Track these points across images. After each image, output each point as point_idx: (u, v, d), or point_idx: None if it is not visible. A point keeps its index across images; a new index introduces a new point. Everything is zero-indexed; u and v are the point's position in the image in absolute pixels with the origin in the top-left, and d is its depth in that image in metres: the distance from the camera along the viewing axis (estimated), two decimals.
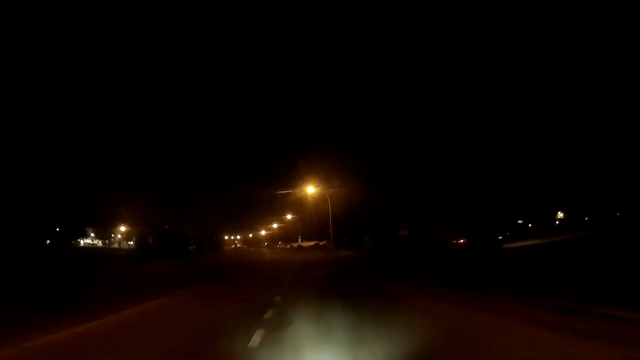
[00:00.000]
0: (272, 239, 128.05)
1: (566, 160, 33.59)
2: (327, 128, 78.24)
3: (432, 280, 15.40)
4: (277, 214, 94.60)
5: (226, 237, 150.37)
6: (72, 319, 8.40)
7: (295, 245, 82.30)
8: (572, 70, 29.77)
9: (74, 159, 54.32)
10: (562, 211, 56.77)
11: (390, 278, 16.62)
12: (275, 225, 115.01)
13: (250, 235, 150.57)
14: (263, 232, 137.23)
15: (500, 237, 38.77)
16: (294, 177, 48.20)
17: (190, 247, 64.42)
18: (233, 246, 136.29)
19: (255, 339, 6.44)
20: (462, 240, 41.82)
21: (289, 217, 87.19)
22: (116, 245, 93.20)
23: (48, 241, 62.48)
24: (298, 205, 70.52)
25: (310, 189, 45.96)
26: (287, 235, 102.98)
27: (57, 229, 55.66)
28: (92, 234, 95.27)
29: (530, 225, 54.95)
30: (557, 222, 55.46)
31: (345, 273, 19.07)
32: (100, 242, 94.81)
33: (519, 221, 54.56)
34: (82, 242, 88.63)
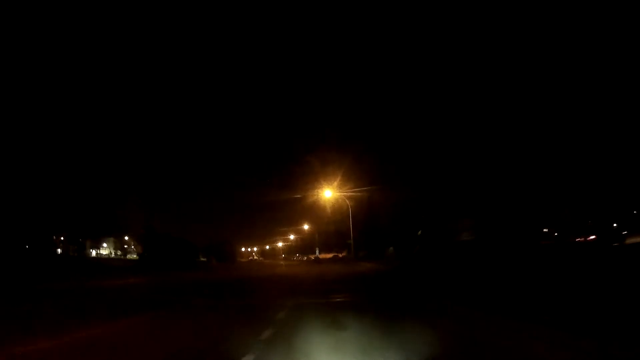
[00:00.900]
0: (289, 250, 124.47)
1: None
2: (346, 126, 73.20)
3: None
4: (294, 224, 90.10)
5: (243, 249, 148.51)
6: None
7: (312, 257, 76.93)
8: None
9: (72, 163, 51.36)
10: None
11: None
12: (292, 237, 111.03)
13: (267, 247, 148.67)
14: (280, 244, 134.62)
15: (624, 232, 32.88)
16: (311, 181, 43.00)
17: (199, 258, 59.79)
18: (250, 258, 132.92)
19: None
20: (591, 237, 36.55)
21: (305, 227, 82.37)
22: (135, 256, 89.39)
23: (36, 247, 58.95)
24: (315, 215, 65.55)
25: (328, 193, 40.59)
26: (304, 246, 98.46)
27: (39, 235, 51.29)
28: (105, 244, 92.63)
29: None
30: None
31: (382, 301, 12.67)
32: (112, 252, 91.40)
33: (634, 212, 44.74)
34: (93, 252, 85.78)
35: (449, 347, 5.68)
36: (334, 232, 70.03)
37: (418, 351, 5.28)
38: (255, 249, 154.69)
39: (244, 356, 5.27)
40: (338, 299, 11.49)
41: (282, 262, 75.93)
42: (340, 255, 70.91)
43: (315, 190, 40.75)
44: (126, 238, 72.21)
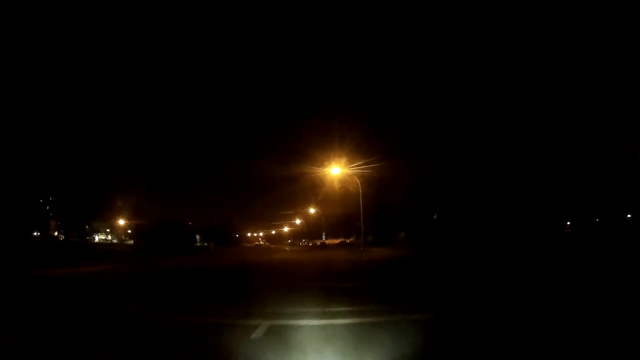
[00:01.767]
0: (295, 235, 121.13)
1: None
2: (356, 97, 68.59)
3: None
4: (300, 206, 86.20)
5: (249, 234, 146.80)
6: None
7: (318, 242, 73.11)
8: None
9: (66, 148, 48.76)
10: None
11: None
12: (298, 222, 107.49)
13: (273, 232, 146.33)
14: (286, 229, 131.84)
15: None
16: (318, 157, 38.75)
17: (196, 242, 56.39)
18: (256, 243, 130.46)
19: None
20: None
21: (312, 211, 78.25)
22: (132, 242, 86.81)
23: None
24: (322, 197, 61.55)
25: (336, 170, 36.29)
26: (310, 231, 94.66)
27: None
28: (108, 230, 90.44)
29: None
30: None
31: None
32: (114, 238, 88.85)
33: None
34: (97, 237, 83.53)
35: None
36: (342, 215, 66.02)
37: None
38: (261, 234, 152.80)
39: None
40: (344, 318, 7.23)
41: (287, 248, 72.25)
42: (348, 241, 66.97)
43: (322, 168, 36.51)
44: (121, 222, 68.93)
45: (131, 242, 66.52)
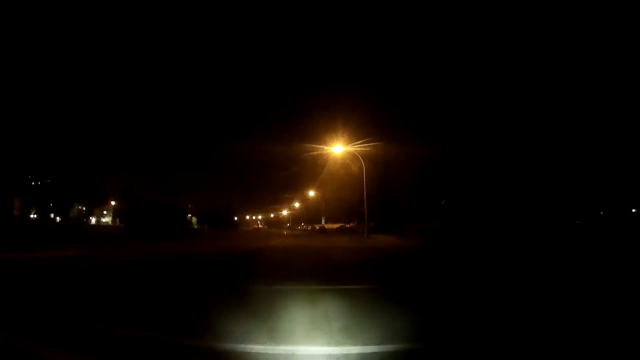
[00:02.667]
0: (294, 219, 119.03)
1: None
2: (359, 71, 64.86)
3: None
4: (300, 190, 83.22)
5: (248, 217, 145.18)
6: None
7: (317, 227, 70.33)
8: None
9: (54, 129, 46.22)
10: None
11: None
12: (297, 205, 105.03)
13: (272, 215, 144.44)
14: (285, 213, 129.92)
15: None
16: (319, 134, 35.55)
17: (189, 225, 53.64)
18: (255, 226, 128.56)
19: None
20: None
21: (311, 193, 75.24)
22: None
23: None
24: (323, 178, 58.49)
25: (338, 149, 33.08)
26: (309, 215, 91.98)
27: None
28: (105, 212, 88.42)
29: None
30: None
31: None
32: (106, 220, 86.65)
33: None
34: (93, 220, 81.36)
35: None
36: (343, 200, 63.06)
37: None
38: (260, 217, 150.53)
39: None
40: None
41: (284, 232, 69.51)
42: (348, 226, 64.03)
43: (324, 146, 33.29)
44: (113, 203, 66.18)
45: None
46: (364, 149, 31.62)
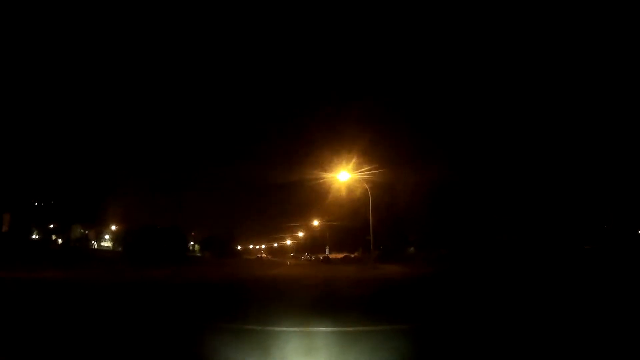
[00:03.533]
0: (298, 249, 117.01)
1: None
2: (366, 96, 64.09)
3: None
4: (304, 219, 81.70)
5: (251, 246, 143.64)
6: None
7: (321, 256, 68.49)
8: None
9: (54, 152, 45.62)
10: None
11: None
12: (301, 234, 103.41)
13: (276, 245, 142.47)
14: (289, 242, 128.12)
15: None
16: (324, 164, 34.53)
17: (189, 251, 52.19)
18: (258, 255, 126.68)
19: None
20: None
21: (315, 223, 73.65)
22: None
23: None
24: (327, 209, 57.25)
25: (344, 176, 31.87)
26: (313, 245, 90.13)
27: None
28: (107, 236, 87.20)
29: None
30: None
31: None
32: (108, 245, 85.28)
33: None
34: (95, 244, 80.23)
35: None
36: (347, 228, 61.46)
37: None
38: (263, 246, 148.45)
39: None
40: None
41: (288, 262, 67.65)
42: (352, 256, 62.15)
43: (329, 173, 32.13)
44: (113, 228, 64.95)
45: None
46: (369, 176, 30.42)
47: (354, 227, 51.84)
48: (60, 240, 58.30)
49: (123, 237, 50.09)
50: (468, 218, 39.24)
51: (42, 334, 6.14)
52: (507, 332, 6.73)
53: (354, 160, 31.98)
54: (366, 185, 31.51)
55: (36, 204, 52.20)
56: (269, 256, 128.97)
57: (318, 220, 71.50)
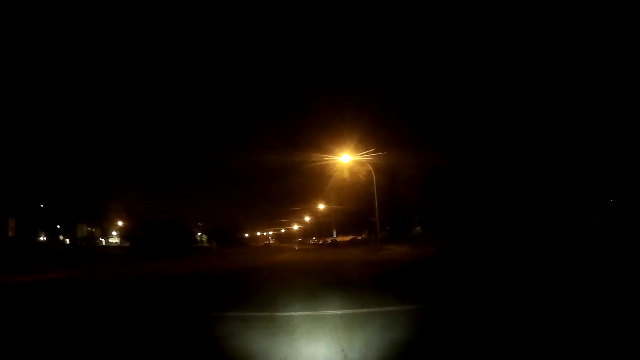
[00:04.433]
0: (305, 234, 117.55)
1: None
2: (368, 76, 63.16)
3: None
4: (309, 203, 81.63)
5: (258, 234, 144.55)
6: None
7: (328, 240, 68.59)
8: None
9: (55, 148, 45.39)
10: None
11: None
12: (307, 219, 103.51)
13: (283, 230, 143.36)
14: (295, 227, 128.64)
15: None
16: (327, 146, 34.11)
17: (194, 243, 52.37)
18: (266, 242, 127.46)
19: None
20: None
21: (321, 207, 73.55)
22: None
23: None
24: (331, 193, 57.03)
25: (346, 158, 31.57)
26: (320, 229, 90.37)
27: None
28: (115, 233, 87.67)
29: None
30: None
31: None
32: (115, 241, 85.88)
33: None
34: (103, 241, 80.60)
35: None
36: (352, 211, 61.46)
37: None
38: (271, 233, 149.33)
39: None
40: None
41: (295, 247, 67.89)
42: (359, 238, 62.22)
43: (332, 156, 31.78)
44: (120, 223, 65.17)
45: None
46: (373, 159, 30.07)
47: (360, 209, 51.77)
48: (67, 240, 58.59)
49: (129, 232, 50.16)
50: (469, 196, 38.96)
51: (45, 335, 6.01)
52: (515, 313, 6.57)
53: (356, 141, 31.68)
54: (370, 167, 31.23)
55: (42, 205, 52.33)
56: (276, 242, 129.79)
57: (324, 204, 71.46)
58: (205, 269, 18.44)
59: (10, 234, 39.44)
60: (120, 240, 79.70)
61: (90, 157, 50.49)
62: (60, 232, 59.42)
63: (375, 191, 31.27)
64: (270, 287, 10.83)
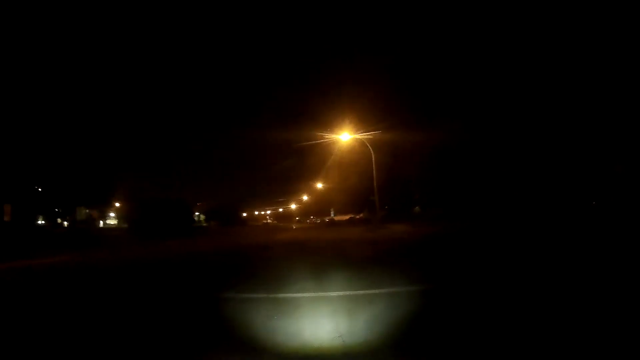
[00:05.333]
0: (303, 213, 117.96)
1: None
2: (368, 53, 62.12)
3: None
4: (308, 182, 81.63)
5: (256, 213, 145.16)
6: None
7: (326, 219, 68.80)
8: None
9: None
10: None
11: None
12: (305, 198, 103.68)
13: (281, 210, 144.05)
14: (293, 206, 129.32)
15: None
16: (325, 124, 33.82)
17: (194, 222, 52.40)
18: (264, 221, 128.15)
19: None
20: None
21: (319, 185, 73.51)
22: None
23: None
24: (330, 172, 56.92)
25: (346, 136, 31.34)
26: (318, 208, 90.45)
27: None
28: (113, 214, 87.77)
29: None
30: None
31: None
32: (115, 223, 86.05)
33: None
34: (101, 223, 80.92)
35: None
36: (351, 189, 61.48)
37: None
38: (269, 212, 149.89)
39: None
40: None
41: (293, 226, 68.10)
42: (358, 217, 62.39)
43: (330, 134, 31.50)
44: (117, 205, 65.12)
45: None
46: (372, 137, 29.84)
47: (359, 188, 51.76)
48: (66, 223, 58.59)
49: (128, 213, 50.10)
50: (469, 176, 38.83)
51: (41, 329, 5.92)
52: (520, 294, 6.49)
53: (355, 119, 31.41)
54: (369, 146, 31.03)
55: (40, 190, 52.18)
56: (275, 221, 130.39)
57: (322, 182, 71.43)
58: (214, 249, 18.41)
59: (6, 218, 39.32)
60: (119, 222, 79.86)
61: (87, 140, 50.20)
62: (59, 215, 59.48)
63: (374, 170, 31.15)
64: (273, 267, 10.80)
